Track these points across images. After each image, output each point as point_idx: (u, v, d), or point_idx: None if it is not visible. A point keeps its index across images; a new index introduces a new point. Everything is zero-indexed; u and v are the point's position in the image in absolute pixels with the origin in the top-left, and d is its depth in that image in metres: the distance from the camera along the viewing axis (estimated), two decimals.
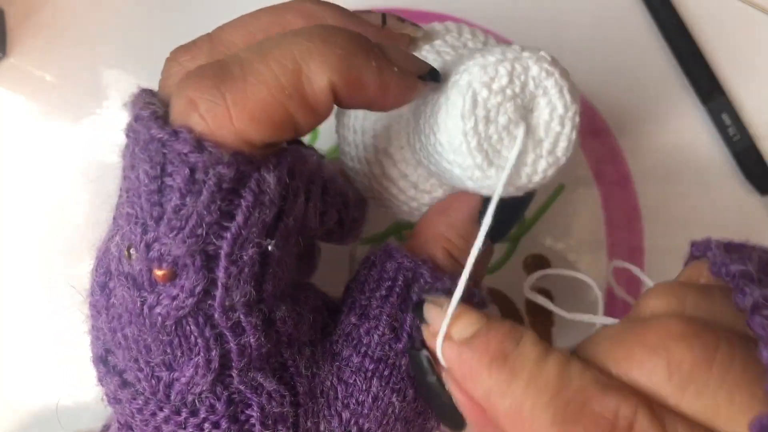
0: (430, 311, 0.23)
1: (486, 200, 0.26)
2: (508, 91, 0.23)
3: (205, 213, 0.20)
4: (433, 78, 0.24)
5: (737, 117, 0.39)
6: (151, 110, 0.21)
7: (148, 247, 0.21)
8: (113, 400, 0.24)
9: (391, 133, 0.27)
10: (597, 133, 0.40)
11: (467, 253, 0.25)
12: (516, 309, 0.38)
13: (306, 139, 0.40)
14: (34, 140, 0.40)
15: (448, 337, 0.22)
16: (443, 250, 0.26)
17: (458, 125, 0.23)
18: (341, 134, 0.30)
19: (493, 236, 0.26)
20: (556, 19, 0.41)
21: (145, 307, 0.21)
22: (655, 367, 0.19)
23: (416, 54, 0.27)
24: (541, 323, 0.38)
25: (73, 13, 0.41)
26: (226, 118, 0.20)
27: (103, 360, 0.24)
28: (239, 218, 0.21)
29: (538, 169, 0.24)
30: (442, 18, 0.41)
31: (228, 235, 0.21)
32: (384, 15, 0.26)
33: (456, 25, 0.29)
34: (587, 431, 0.18)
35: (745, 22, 0.41)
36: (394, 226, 0.39)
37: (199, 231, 0.20)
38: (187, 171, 0.20)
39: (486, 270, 0.28)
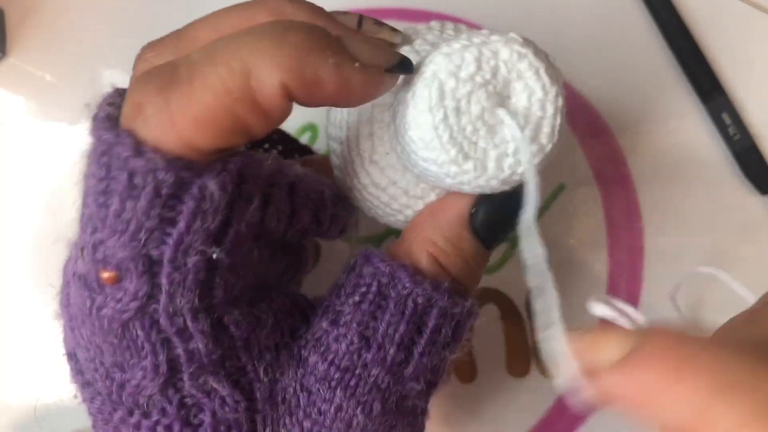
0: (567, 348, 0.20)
1: (477, 202, 0.25)
2: (478, 78, 0.22)
3: (144, 218, 0.20)
4: (404, 69, 0.22)
5: (737, 117, 0.39)
6: (107, 112, 0.21)
7: (95, 248, 0.20)
8: (82, 399, 0.24)
9: (375, 139, 0.26)
10: (597, 133, 0.40)
11: (454, 260, 0.24)
12: (516, 309, 0.38)
13: (305, 138, 0.40)
14: (33, 140, 0.40)
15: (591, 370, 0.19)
16: (428, 254, 0.25)
17: (427, 119, 0.22)
18: (329, 144, 0.29)
19: (489, 242, 0.26)
20: (556, 18, 0.41)
21: (94, 308, 0.21)
22: None
23: None
24: None
25: (72, 13, 0.41)
26: (168, 123, 0.19)
27: (72, 357, 0.24)
28: (181, 225, 0.20)
29: (522, 159, 0.23)
30: (442, 18, 0.41)
31: (170, 241, 0.20)
32: (361, 17, 0.25)
33: (439, 23, 0.28)
34: None
35: (745, 21, 0.41)
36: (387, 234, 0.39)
37: (140, 235, 0.20)
38: (125, 175, 0.19)
39: (480, 278, 0.27)
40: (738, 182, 0.39)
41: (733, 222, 0.38)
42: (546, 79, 0.22)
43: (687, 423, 0.17)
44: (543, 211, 0.39)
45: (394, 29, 0.26)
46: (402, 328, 0.23)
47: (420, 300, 0.23)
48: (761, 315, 0.20)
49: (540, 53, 0.23)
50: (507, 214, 0.24)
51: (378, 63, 0.22)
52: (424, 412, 0.26)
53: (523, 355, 0.37)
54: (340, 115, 0.28)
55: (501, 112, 0.22)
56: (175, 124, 0.19)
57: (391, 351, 0.23)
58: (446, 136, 0.22)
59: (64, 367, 0.24)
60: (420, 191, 0.26)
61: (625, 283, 0.38)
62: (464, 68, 0.22)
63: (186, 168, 0.20)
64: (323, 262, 0.38)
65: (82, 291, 0.21)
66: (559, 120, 0.23)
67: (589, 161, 0.39)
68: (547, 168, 0.39)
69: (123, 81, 0.24)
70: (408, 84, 0.23)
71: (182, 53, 0.22)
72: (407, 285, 0.23)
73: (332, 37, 0.21)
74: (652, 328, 0.19)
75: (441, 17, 0.41)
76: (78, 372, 0.24)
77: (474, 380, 0.37)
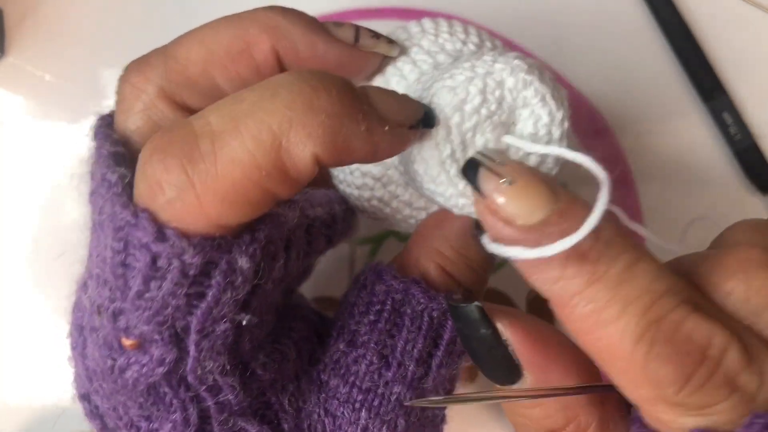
0: (486, 180, 0.19)
1: None
2: (483, 111, 0.21)
3: (171, 298, 0.19)
4: (428, 124, 0.21)
5: (738, 116, 0.39)
6: (118, 175, 0.20)
7: (115, 316, 0.20)
8: None
9: None
10: (597, 133, 0.39)
11: (462, 269, 0.24)
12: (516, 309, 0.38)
13: None
14: (33, 140, 0.40)
15: (507, 219, 0.18)
16: (436, 265, 0.24)
17: (434, 155, 0.21)
18: None
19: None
20: (557, 18, 0.41)
21: (116, 368, 0.20)
22: (734, 290, 0.18)
23: (391, 66, 0.25)
24: None
25: (72, 13, 0.41)
26: (195, 205, 0.18)
27: (86, 399, 0.23)
28: (209, 299, 0.19)
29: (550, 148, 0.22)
30: (442, 17, 0.41)
31: (198, 312, 0.19)
32: (357, 29, 0.24)
33: (433, 24, 0.27)
34: (676, 355, 0.17)
35: (746, 21, 0.40)
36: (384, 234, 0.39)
37: (166, 312, 0.19)
38: (148, 258, 0.18)
39: (486, 284, 0.27)
40: (739, 182, 0.39)
41: (734, 222, 0.38)
42: (552, 105, 0.22)
43: (574, 316, 0.18)
44: None
45: (390, 41, 0.25)
46: (420, 343, 0.23)
47: (435, 314, 0.23)
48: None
49: (545, 77, 0.22)
50: None
51: (404, 120, 0.21)
52: (443, 420, 0.26)
53: None
54: None
55: (509, 139, 0.22)
56: (203, 205, 0.18)
57: (411, 367, 0.23)
58: (453, 170, 0.22)
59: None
60: (423, 203, 0.26)
61: None
62: (470, 102, 0.21)
63: (215, 247, 0.19)
64: (323, 262, 0.38)
65: (101, 349, 0.20)
66: (565, 143, 0.22)
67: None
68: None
69: None
70: None
71: (173, 75, 0.21)
72: (422, 301, 0.23)
73: (361, 95, 0.19)
74: (568, 202, 0.19)
75: (442, 17, 0.41)
76: (96, 416, 0.23)
77: (474, 380, 0.37)
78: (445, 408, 0.26)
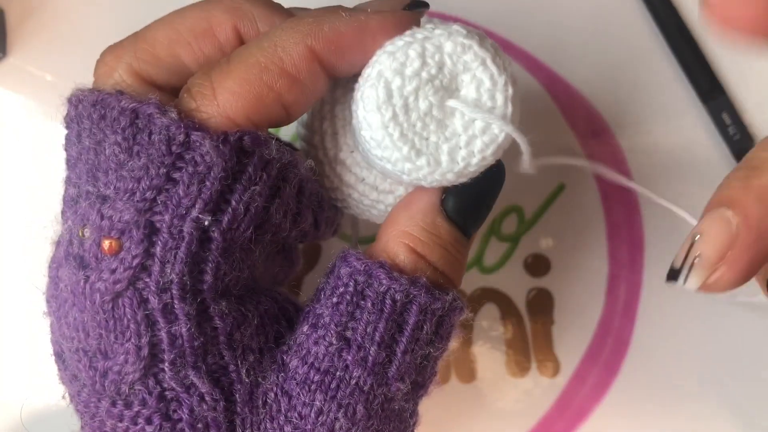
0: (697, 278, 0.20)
1: (447, 188, 0.25)
2: (424, 74, 0.22)
3: (154, 174, 0.21)
4: (419, 5, 0.24)
5: (737, 116, 0.39)
6: (118, 90, 0.23)
7: (102, 216, 0.22)
8: (71, 397, 0.24)
9: (338, 138, 0.26)
10: (597, 133, 0.40)
11: (434, 248, 0.24)
12: (516, 309, 0.38)
13: None
14: (33, 140, 0.40)
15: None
16: (405, 246, 0.24)
17: (377, 118, 0.22)
18: (300, 145, 0.29)
19: (466, 228, 0.25)
20: (556, 19, 0.41)
21: (87, 285, 0.22)
22: None
23: None
24: (542, 323, 0.38)
25: (73, 13, 0.41)
26: (210, 94, 0.22)
27: (59, 356, 0.24)
28: (180, 186, 0.21)
29: (475, 150, 0.23)
30: (442, 18, 0.41)
31: (170, 204, 0.21)
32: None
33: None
34: None
35: None
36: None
37: (148, 194, 0.21)
38: (147, 133, 0.21)
39: (465, 268, 0.26)
40: None
41: None
42: (494, 69, 0.22)
43: None
44: (543, 211, 0.39)
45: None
46: (381, 326, 0.23)
47: (398, 296, 0.23)
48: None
49: (485, 43, 0.23)
50: (478, 197, 0.25)
51: (389, 7, 0.23)
52: (413, 416, 0.25)
53: (523, 355, 0.37)
54: (307, 114, 0.28)
55: (451, 103, 0.23)
56: (216, 95, 0.22)
57: (372, 350, 0.22)
58: (396, 133, 0.22)
59: (54, 369, 0.25)
60: (388, 186, 0.26)
61: (625, 283, 0.38)
62: (409, 65, 0.22)
63: (195, 129, 0.21)
64: (323, 263, 0.38)
65: (76, 271, 0.22)
66: (510, 109, 0.23)
67: (589, 161, 0.39)
68: (548, 168, 0.39)
69: None
70: (358, 84, 0.23)
71: (140, 53, 0.24)
72: (384, 282, 0.23)
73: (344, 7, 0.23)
74: None
75: (441, 18, 0.41)
76: (65, 368, 0.24)
77: (474, 380, 0.37)
78: (416, 404, 0.25)
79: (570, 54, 0.40)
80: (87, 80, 0.39)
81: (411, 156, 0.23)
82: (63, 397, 0.25)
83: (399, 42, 0.23)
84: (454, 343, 0.37)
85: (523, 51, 0.40)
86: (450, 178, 0.23)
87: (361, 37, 0.23)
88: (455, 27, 0.23)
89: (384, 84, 0.22)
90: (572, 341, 0.38)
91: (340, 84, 0.26)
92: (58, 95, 0.33)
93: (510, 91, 0.23)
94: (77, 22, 0.41)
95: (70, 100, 0.24)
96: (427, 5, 0.24)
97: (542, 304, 0.38)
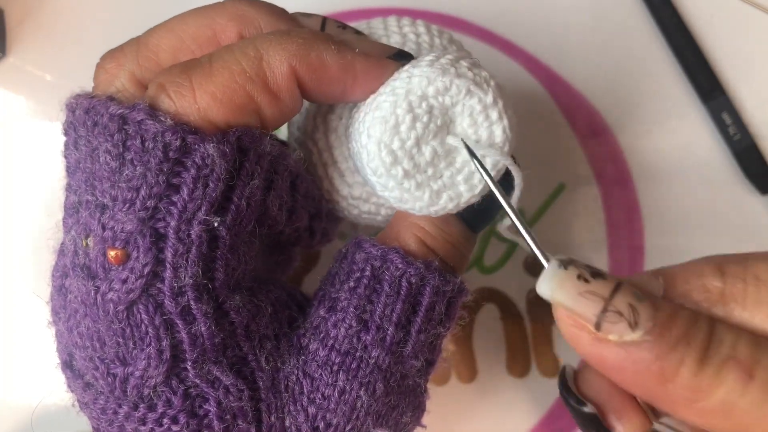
0: (575, 299, 0.20)
1: None
2: (419, 126, 0.23)
3: (153, 182, 0.21)
4: (402, 57, 0.24)
5: (738, 116, 0.39)
6: (108, 96, 0.22)
7: (104, 227, 0.21)
8: (82, 404, 0.24)
9: (334, 151, 0.27)
10: (597, 132, 0.40)
11: (441, 243, 0.25)
12: (516, 309, 0.38)
13: None
14: (33, 140, 0.40)
15: (598, 337, 0.19)
16: (416, 238, 0.25)
17: (390, 183, 0.23)
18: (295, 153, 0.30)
19: (474, 226, 0.26)
20: (557, 19, 0.41)
21: (99, 296, 0.22)
22: None
23: None
24: (542, 322, 0.38)
25: (72, 13, 0.41)
26: (190, 96, 0.21)
27: (68, 365, 0.24)
28: (184, 191, 0.21)
29: (488, 165, 0.24)
30: (442, 18, 0.41)
31: (174, 210, 0.21)
32: (324, 19, 0.26)
33: (396, 22, 0.28)
34: None
35: (745, 21, 0.41)
36: None
37: (149, 203, 0.21)
38: (139, 140, 0.21)
39: (469, 261, 0.27)
40: (738, 182, 0.39)
41: (733, 222, 0.38)
42: (478, 92, 0.23)
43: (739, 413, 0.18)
44: (543, 211, 0.39)
45: (357, 31, 0.26)
46: (398, 307, 0.24)
47: (413, 279, 0.24)
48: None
49: (461, 69, 0.23)
50: (490, 200, 0.25)
51: (375, 51, 0.24)
52: (424, 392, 0.27)
53: (523, 355, 0.37)
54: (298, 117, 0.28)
55: (451, 140, 0.23)
56: (196, 97, 0.21)
57: (390, 331, 0.24)
58: (413, 186, 0.23)
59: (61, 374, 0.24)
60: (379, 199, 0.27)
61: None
62: (401, 123, 0.23)
63: (191, 132, 0.21)
64: (323, 263, 0.38)
65: (85, 282, 0.22)
66: (506, 121, 0.23)
67: (589, 161, 0.39)
68: (548, 168, 0.39)
69: None
70: (359, 154, 0.24)
71: (143, 60, 0.23)
72: (400, 266, 0.24)
73: (336, 36, 0.23)
74: (665, 313, 0.19)
75: (441, 18, 0.41)
76: (77, 377, 0.24)
77: (474, 380, 0.37)
78: (426, 381, 0.26)
79: (570, 54, 0.40)
80: (86, 80, 0.39)
81: (433, 199, 0.24)
82: (72, 405, 0.25)
83: (384, 104, 0.23)
84: (452, 346, 0.37)
85: (523, 51, 0.40)
86: (473, 200, 0.25)
87: (343, 75, 0.23)
88: (428, 69, 0.23)
89: (386, 150, 0.23)
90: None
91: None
92: (57, 95, 0.33)
93: (500, 103, 0.23)
94: (77, 22, 0.41)
95: (68, 106, 0.24)
96: (412, 57, 0.24)
97: (542, 304, 0.38)
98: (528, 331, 0.38)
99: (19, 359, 0.38)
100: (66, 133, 0.24)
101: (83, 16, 0.41)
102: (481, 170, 0.23)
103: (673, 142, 0.39)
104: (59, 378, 0.25)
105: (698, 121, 0.39)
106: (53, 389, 0.37)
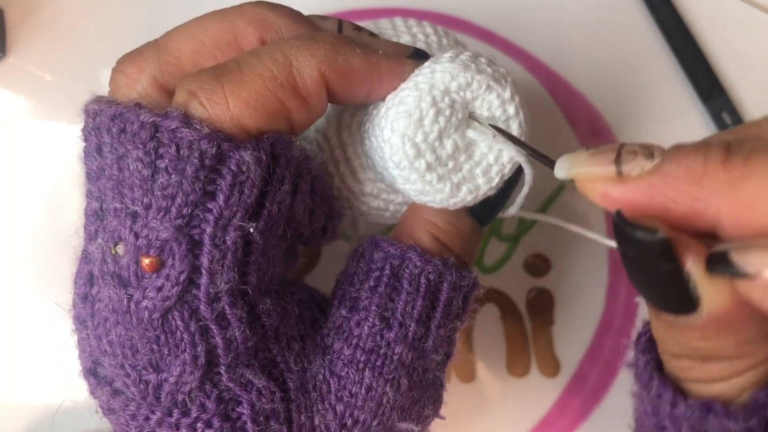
0: (589, 161, 0.20)
1: None
2: (441, 120, 0.24)
3: (189, 190, 0.21)
4: (420, 56, 0.25)
5: (738, 116, 0.39)
6: (135, 102, 0.22)
7: (137, 235, 0.21)
8: (107, 410, 0.24)
9: (347, 147, 0.27)
10: (597, 133, 0.40)
11: (453, 238, 0.26)
12: (516, 309, 0.38)
13: None
14: (33, 140, 0.40)
15: (614, 180, 0.19)
16: (429, 234, 0.26)
17: (413, 175, 0.24)
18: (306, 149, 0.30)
19: (483, 220, 0.27)
20: (557, 18, 0.41)
21: (132, 304, 0.21)
22: None
23: None
24: (542, 322, 0.38)
25: (72, 13, 0.41)
26: (223, 103, 0.21)
27: (92, 372, 0.24)
28: (220, 198, 0.21)
29: (504, 162, 0.25)
30: (442, 18, 0.41)
31: (210, 217, 0.21)
32: (340, 22, 0.26)
33: (403, 23, 0.29)
34: None
35: (745, 21, 0.41)
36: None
37: (185, 210, 0.21)
38: (174, 148, 0.21)
39: (477, 253, 0.28)
40: None
41: None
42: (497, 88, 0.24)
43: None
44: (543, 211, 0.39)
45: (372, 34, 0.27)
46: (419, 304, 0.25)
47: (432, 276, 0.25)
48: None
49: (481, 66, 0.24)
50: (501, 193, 0.26)
51: (395, 51, 0.24)
52: (443, 385, 0.27)
53: (523, 355, 0.37)
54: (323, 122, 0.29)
55: (471, 133, 0.24)
56: (229, 105, 0.22)
57: (412, 327, 0.24)
58: (434, 179, 0.24)
59: (65, 371, 0.24)
60: (391, 194, 0.28)
61: (625, 283, 0.38)
62: (425, 116, 0.23)
63: (226, 139, 0.21)
64: (324, 262, 0.38)
65: (116, 290, 0.22)
66: (522, 116, 0.25)
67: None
68: (548, 168, 0.39)
69: None
70: (381, 147, 0.24)
71: (165, 66, 0.23)
72: (418, 264, 0.25)
73: (357, 39, 0.24)
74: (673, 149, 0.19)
75: (441, 18, 0.41)
76: (104, 383, 0.23)
77: (474, 380, 0.37)
78: (443, 373, 0.27)
79: (570, 54, 0.40)
80: (86, 80, 0.39)
81: (453, 192, 0.24)
82: (96, 412, 0.25)
83: (408, 98, 0.23)
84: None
85: (523, 51, 0.40)
86: (489, 193, 0.25)
87: (369, 77, 0.23)
88: (451, 65, 0.23)
89: (410, 143, 0.23)
90: (572, 341, 0.38)
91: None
92: (57, 95, 0.33)
93: (517, 99, 0.24)
94: (77, 22, 0.41)
95: (86, 111, 0.23)
96: (428, 56, 0.25)
97: (542, 304, 0.38)
98: (528, 331, 0.38)
99: (19, 359, 0.38)
100: (86, 139, 0.23)
101: (83, 16, 0.41)
102: (503, 134, 0.24)
103: (673, 142, 0.39)
104: (58, 378, 0.25)
105: (698, 121, 0.39)
106: (61, 390, 0.37)
